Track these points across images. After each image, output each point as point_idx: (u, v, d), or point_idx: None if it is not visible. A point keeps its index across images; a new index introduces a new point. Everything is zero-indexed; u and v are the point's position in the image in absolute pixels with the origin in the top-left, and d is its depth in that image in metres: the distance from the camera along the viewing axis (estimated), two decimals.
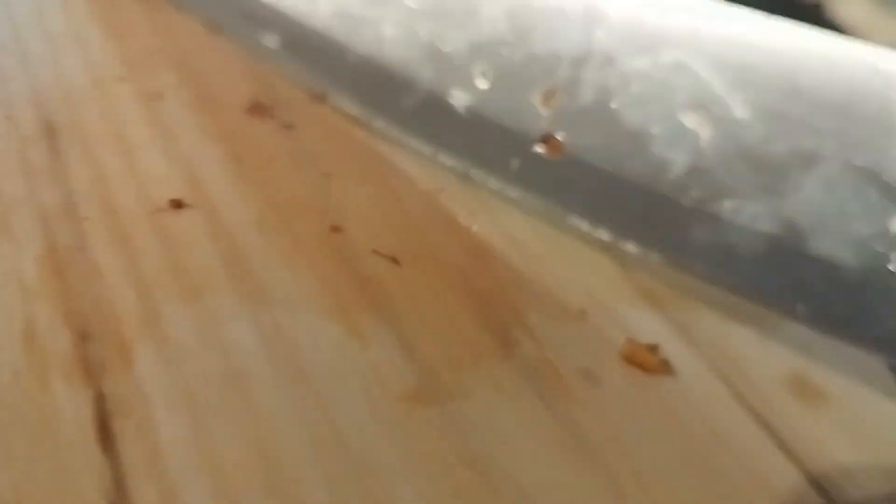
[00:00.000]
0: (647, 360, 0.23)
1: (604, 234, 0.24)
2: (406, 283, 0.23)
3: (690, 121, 0.22)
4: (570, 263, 0.27)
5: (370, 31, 0.26)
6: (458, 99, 0.25)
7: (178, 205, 0.22)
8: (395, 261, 0.23)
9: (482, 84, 0.24)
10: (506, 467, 0.19)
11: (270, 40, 0.28)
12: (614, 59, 0.23)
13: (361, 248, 0.23)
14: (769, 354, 0.27)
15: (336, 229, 0.24)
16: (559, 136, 0.24)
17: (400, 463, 0.18)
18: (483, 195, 0.26)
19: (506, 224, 0.26)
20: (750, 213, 0.21)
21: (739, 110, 0.21)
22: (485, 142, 0.25)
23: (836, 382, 0.27)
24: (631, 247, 0.24)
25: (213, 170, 0.24)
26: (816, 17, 0.51)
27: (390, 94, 0.26)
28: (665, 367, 0.23)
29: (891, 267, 0.20)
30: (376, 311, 0.21)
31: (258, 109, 0.28)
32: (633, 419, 0.21)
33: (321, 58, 0.28)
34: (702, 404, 0.23)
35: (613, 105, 0.23)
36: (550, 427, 0.20)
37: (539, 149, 0.24)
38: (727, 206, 0.21)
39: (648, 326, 0.25)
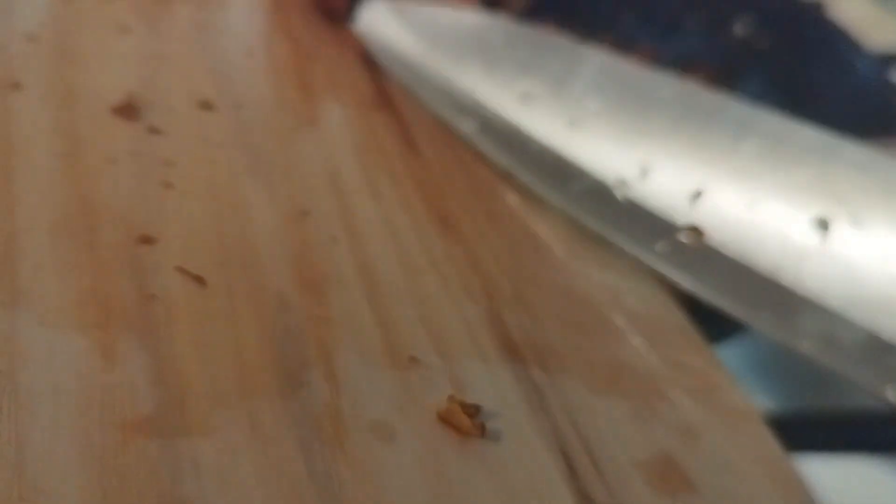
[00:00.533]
0: (462, 422, 0.21)
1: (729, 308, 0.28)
2: (200, 306, 0.21)
3: (813, 230, 0.27)
4: (442, 307, 0.25)
5: (550, 121, 0.31)
6: (619, 190, 0.29)
7: None
8: (200, 280, 0.21)
9: (642, 180, 0.29)
10: None
11: (468, 125, 0.33)
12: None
13: (167, 263, 0.22)
14: (640, 434, 0.24)
15: (146, 240, 0.22)
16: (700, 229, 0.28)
17: (79, 495, 0.16)
18: None
19: None
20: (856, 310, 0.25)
21: (849, 232, 0.27)
22: (637, 224, 0.29)
23: (712, 474, 0.24)
24: None
25: (37, 166, 0.23)
26: (817, 16, 0.52)
27: (562, 179, 0.31)
28: (479, 432, 0.21)
29: None
30: (144, 332, 0.19)
31: (126, 110, 0.26)
32: (413, 485, 0.19)
33: (509, 142, 0.32)
34: (517, 479, 0.20)
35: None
36: (296, 480, 0.18)
37: (683, 237, 0.28)
38: (836, 302, 0.25)
39: (493, 386, 0.23)
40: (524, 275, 0.28)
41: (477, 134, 0.33)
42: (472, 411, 0.21)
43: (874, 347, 0.25)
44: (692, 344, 0.30)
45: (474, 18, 0.38)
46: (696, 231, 0.28)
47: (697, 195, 0.29)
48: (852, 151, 0.30)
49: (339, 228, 0.26)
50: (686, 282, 0.29)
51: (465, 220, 0.29)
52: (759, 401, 0.44)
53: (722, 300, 0.28)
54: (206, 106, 0.28)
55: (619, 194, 0.29)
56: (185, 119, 0.27)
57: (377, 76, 0.36)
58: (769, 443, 0.27)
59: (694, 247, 0.28)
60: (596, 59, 0.35)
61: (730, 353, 0.45)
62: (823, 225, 0.27)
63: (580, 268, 0.31)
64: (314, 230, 0.25)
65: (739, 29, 0.49)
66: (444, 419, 0.21)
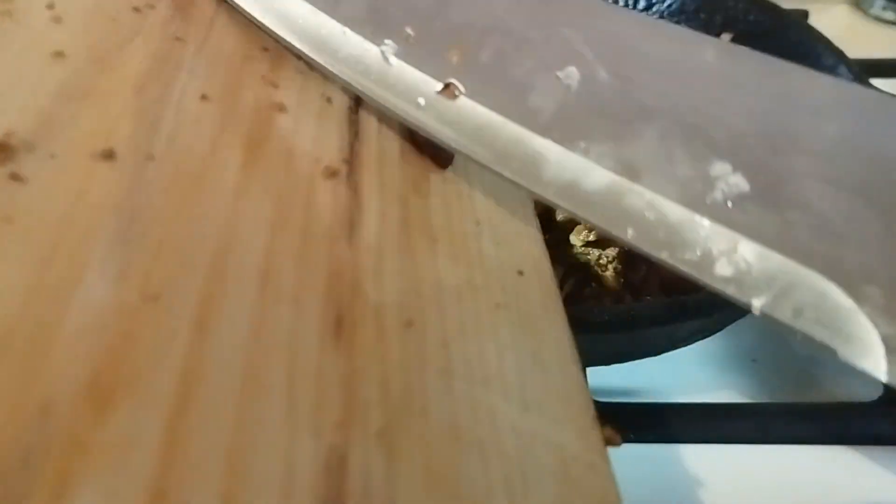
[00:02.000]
0: None
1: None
2: None
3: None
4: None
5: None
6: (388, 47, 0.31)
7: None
8: None
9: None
10: None
11: None
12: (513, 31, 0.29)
13: None
14: None
15: None
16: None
17: None
18: None
19: None
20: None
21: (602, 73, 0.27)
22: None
23: None
24: None
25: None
26: (799, 26, 0.56)
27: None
28: None
29: None
30: None
31: None
32: None
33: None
34: None
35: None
36: None
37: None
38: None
39: None
40: (412, 406, 0.24)
41: None
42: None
43: (615, 191, 0.26)
44: None
45: None
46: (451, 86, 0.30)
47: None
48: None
49: (185, 319, 0.22)
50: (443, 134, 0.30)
51: (364, 329, 0.26)
52: (742, 393, 0.46)
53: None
54: (108, 155, 0.26)
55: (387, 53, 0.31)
56: (68, 169, 0.24)
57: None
58: None
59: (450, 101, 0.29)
60: None
61: (715, 346, 0.47)
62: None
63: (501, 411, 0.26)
64: (159, 317, 0.22)
65: (723, 39, 0.50)
66: None
